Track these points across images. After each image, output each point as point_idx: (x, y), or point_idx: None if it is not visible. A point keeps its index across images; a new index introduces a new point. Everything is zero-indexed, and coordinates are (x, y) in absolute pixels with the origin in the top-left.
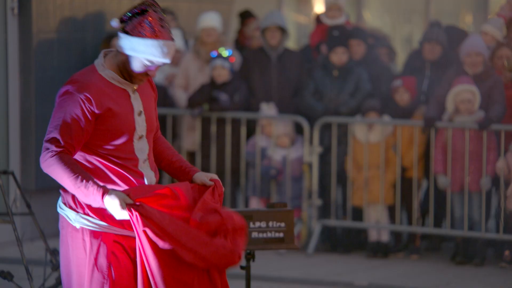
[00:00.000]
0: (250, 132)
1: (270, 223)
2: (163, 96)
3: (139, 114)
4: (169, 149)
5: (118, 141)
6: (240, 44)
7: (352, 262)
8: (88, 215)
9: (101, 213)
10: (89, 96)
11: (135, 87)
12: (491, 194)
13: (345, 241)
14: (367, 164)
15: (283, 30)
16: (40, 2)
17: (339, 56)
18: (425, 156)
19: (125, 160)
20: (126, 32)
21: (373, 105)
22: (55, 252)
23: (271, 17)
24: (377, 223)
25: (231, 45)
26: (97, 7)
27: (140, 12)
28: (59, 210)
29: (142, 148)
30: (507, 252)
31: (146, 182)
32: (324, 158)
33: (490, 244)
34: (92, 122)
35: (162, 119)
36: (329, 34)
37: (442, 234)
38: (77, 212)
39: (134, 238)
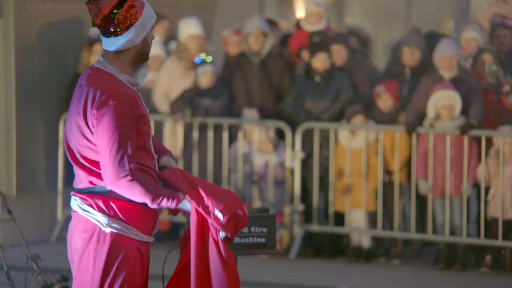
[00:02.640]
0: (232, 138)
1: (252, 229)
2: (145, 101)
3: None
4: None
5: (144, 145)
6: None
7: (334, 267)
8: (120, 219)
9: (131, 218)
10: (134, 102)
11: (139, 85)
12: (471, 199)
13: (327, 246)
14: (349, 169)
15: (265, 35)
16: (22, 7)
17: (321, 62)
18: (409, 162)
19: (149, 165)
20: (126, 29)
21: (358, 109)
22: (36, 258)
23: (254, 22)
24: (359, 228)
25: (213, 51)
26: (78, 12)
27: (119, 4)
28: (83, 213)
29: (153, 149)
30: (488, 257)
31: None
32: (306, 164)
33: (471, 249)
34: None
35: None
36: (310, 39)
37: (424, 239)
38: (110, 216)
39: (147, 243)
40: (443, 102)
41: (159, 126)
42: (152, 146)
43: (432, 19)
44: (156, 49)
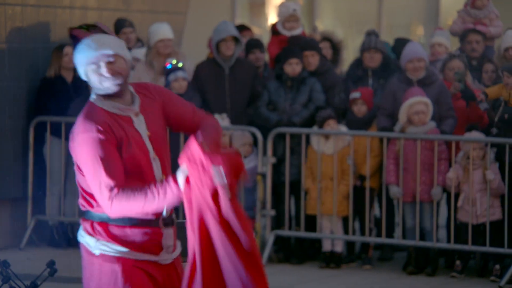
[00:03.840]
0: None
1: None
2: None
3: (149, 137)
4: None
5: (134, 168)
6: None
7: (305, 272)
8: (107, 241)
9: (122, 239)
10: (101, 129)
11: (136, 110)
12: (441, 204)
13: (299, 251)
14: (320, 174)
15: (236, 40)
16: None
17: (292, 67)
18: (381, 167)
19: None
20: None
21: (330, 114)
22: (5, 264)
23: (226, 28)
24: (331, 233)
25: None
26: (48, 17)
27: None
28: (79, 238)
29: (158, 169)
30: (458, 262)
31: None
32: (278, 169)
33: (441, 254)
34: (117, 149)
35: None
36: (292, 44)
37: (394, 244)
38: (97, 238)
39: (156, 262)
40: (416, 108)
41: None
42: (154, 166)
43: (402, 25)
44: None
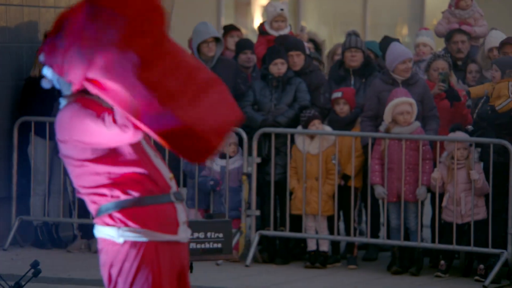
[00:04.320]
0: None
1: (208, 234)
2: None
3: None
4: None
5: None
6: None
7: (291, 272)
8: (129, 226)
9: (142, 220)
10: (78, 101)
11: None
12: (426, 204)
13: (284, 251)
14: (305, 174)
15: (217, 40)
16: None
17: (278, 67)
18: (366, 167)
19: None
20: None
21: (315, 114)
22: None
23: (207, 30)
24: (316, 233)
25: None
26: (33, 17)
27: None
28: (97, 235)
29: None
30: (442, 262)
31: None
32: (263, 169)
33: (426, 253)
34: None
35: None
36: (278, 44)
37: (379, 243)
38: (118, 227)
39: (176, 242)
40: (401, 108)
41: None
42: None
43: (387, 25)
44: None
